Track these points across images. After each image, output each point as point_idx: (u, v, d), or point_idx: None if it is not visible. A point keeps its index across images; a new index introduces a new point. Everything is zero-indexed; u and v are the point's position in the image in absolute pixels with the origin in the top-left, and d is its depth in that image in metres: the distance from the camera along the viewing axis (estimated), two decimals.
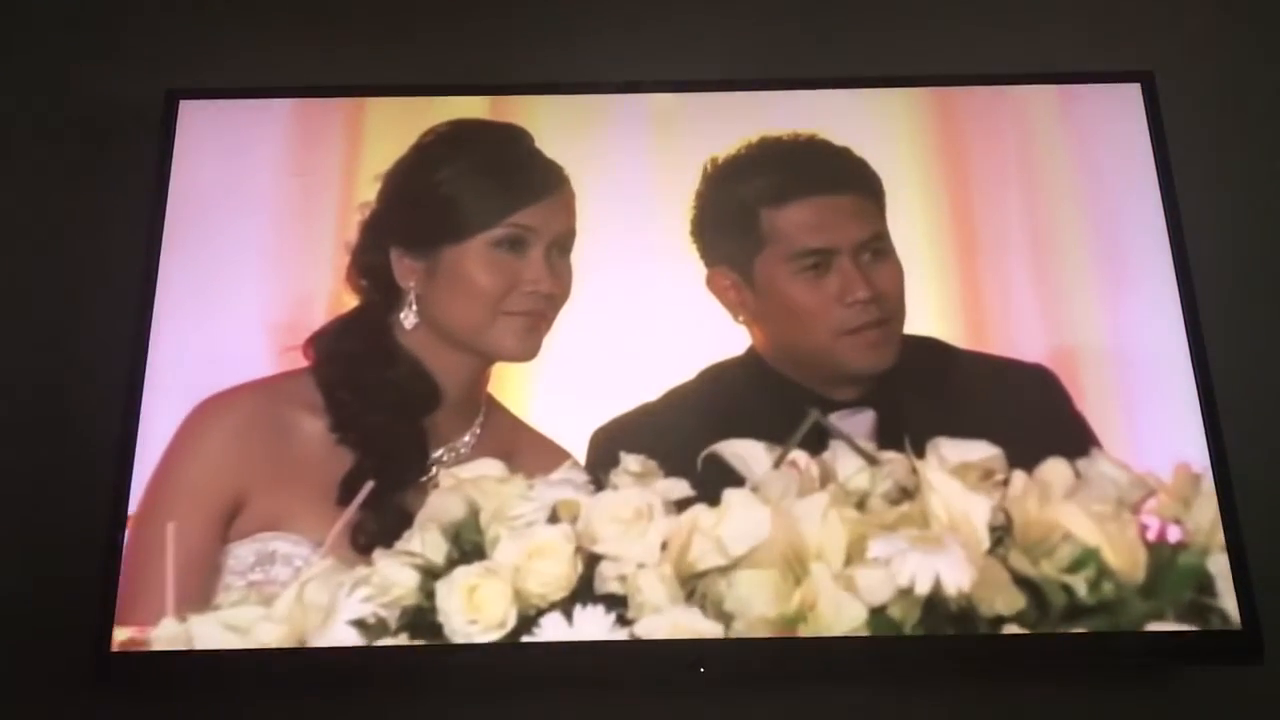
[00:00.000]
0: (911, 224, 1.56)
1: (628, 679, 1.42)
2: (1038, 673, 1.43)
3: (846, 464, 1.41)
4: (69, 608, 1.42)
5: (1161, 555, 1.36)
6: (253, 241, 1.58)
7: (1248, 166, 1.71)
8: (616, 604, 1.33)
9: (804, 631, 1.31)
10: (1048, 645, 1.32)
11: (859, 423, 1.48)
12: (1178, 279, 1.53)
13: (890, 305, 1.52)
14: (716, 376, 1.51)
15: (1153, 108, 1.62)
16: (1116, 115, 1.63)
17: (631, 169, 1.59)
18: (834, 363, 1.51)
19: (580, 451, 1.46)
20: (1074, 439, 1.45)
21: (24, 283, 1.65)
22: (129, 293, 1.54)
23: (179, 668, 1.36)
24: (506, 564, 1.34)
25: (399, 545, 1.37)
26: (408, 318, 1.50)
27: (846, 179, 1.57)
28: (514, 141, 1.59)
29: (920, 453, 1.41)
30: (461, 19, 1.84)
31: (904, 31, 1.81)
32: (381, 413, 1.47)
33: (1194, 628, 1.34)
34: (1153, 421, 1.47)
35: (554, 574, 1.33)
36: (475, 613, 1.32)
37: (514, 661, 1.33)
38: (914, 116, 1.64)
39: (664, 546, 1.34)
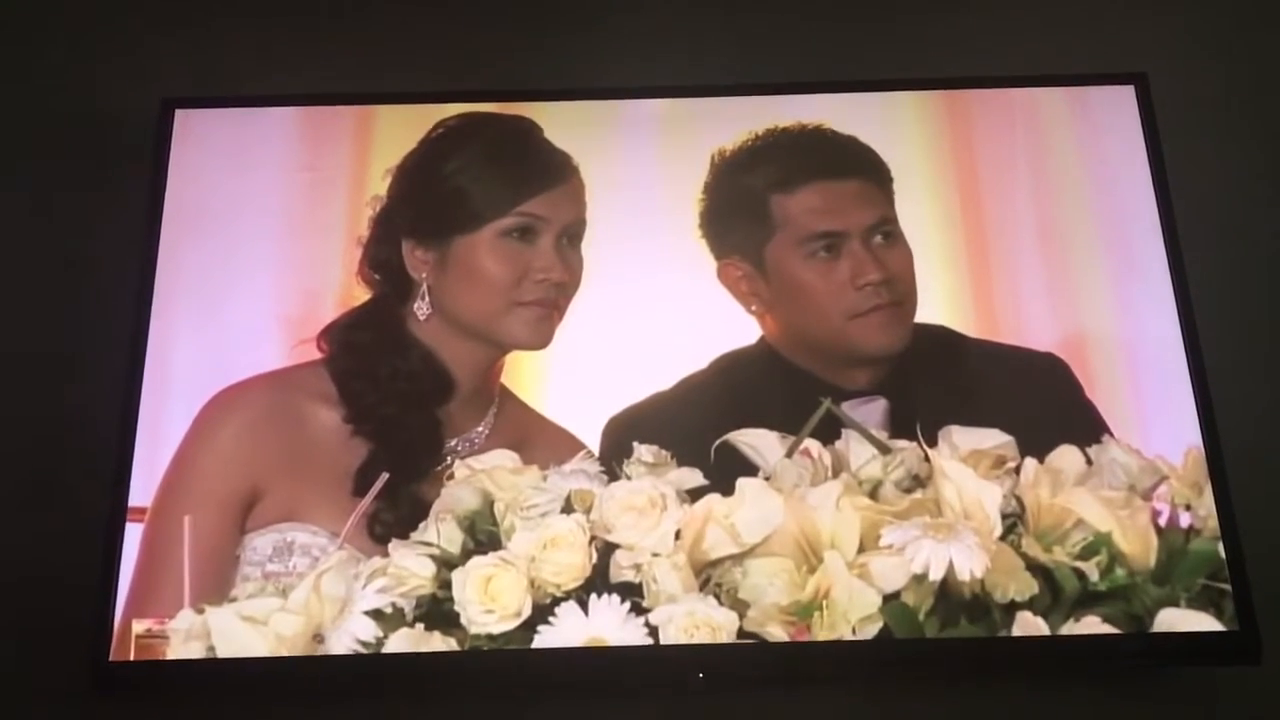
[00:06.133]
0: (923, 219, 1.57)
1: (638, 682, 1.41)
2: (1033, 674, 1.43)
3: (859, 453, 1.41)
4: (69, 609, 1.42)
5: (1173, 541, 1.36)
6: (263, 237, 1.59)
7: (1241, 162, 1.72)
8: (631, 593, 1.33)
9: (818, 619, 1.31)
10: (1043, 646, 1.32)
11: (871, 411, 1.48)
12: (1170, 270, 1.54)
13: (901, 288, 1.53)
14: (729, 366, 1.51)
15: (1146, 108, 1.63)
16: (1120, 115, 1.64)
17: (640, 167, 1.60)
18: (846, 346, 1.51)
19: (594, 441, 1.47)
20: (1085, 426, 1.45)
21: (23, 288, 1.65)
22: (131, 294, 1.54)
23: (179, 676, 1.36)
24: (522, 554, 1.34)
25: (415, 536, 1.38)
26: (420, 309, 1.50)
27: (853, 164, 1.58)
28: (523, 132, 1.59)
29: (932, 441, 1.41)
30: (465, 26, 1.84)
31: (910, 36, 1.82)
32: (396, 403, 1.47)
33: (1205, 614, 1.34)
34: (1163, 407, 1.48)
35: (569, 564, 1.33)
36: (491, 602, 1.31)
37: (523, 666, 1.33)
38: (923, 119, 1.65)
39: (678, 536, 1.34)
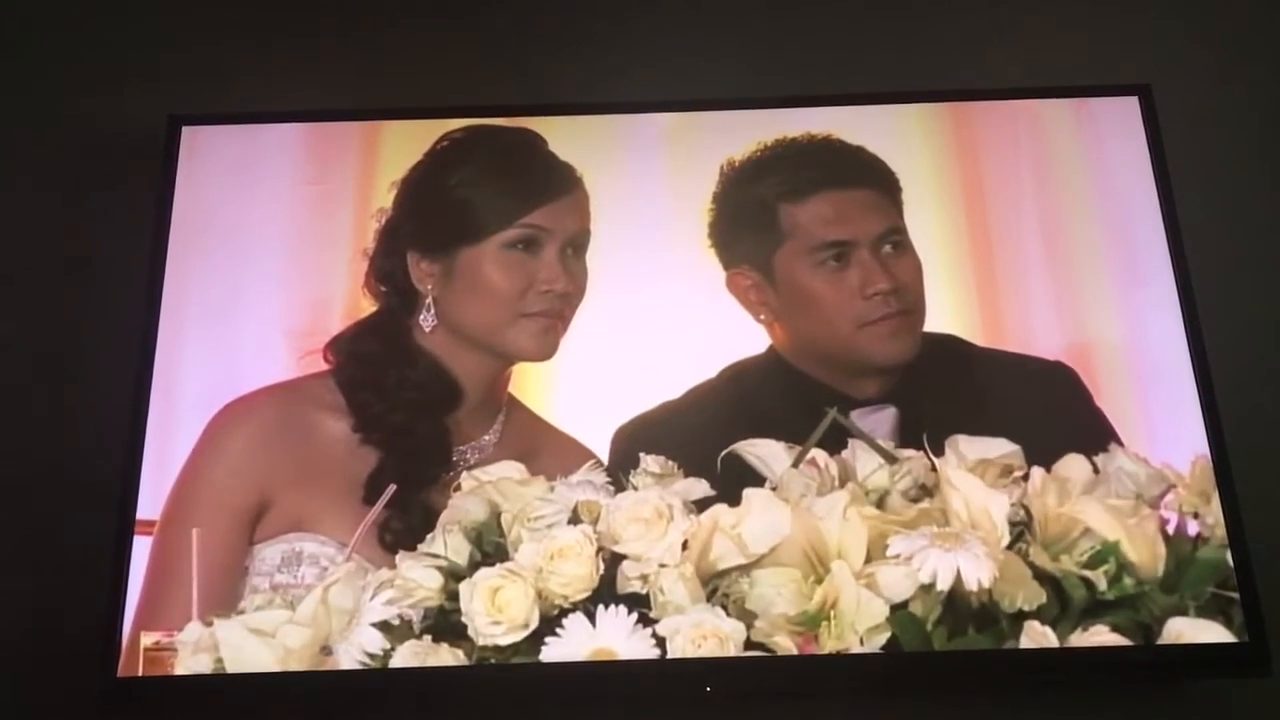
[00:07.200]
0: (929, 229, 1.58)
1: (646, 694, 1.41)
2: (1042, 685, 1.43)
3: (866, 462, 1.41)
4: (78, 623, 1.43)
5: (1181, 549, 1.36)
6: (270, 251, 1.60)
7: (1244, 172, 1.73)
8: (638, 603, 1.33)
9: (826, 629, 1.31)
10: (1052, 657, 1.31)
11: (880, 420, 1.49)
12: (1175, 279, 1.54)
13: (910, 297, 1.53)
14: (737, 375, 1.52)
15: (1150, 118, 1.64)
16: (1124, 125, 1.64)
17: (648, 178, 1.61)
18: (855, 355, 1.52)
19: (602, 450, 1.47)
20: (1093, 435, 1.45)
21: (31, 301, 1.66)
22: (139, 307, 1.55)
23: (185, 691, 1.36)
24: (529, 565, 1.34)
25: (422, 547, 1.38)
26: (426, 320, 1.51)
27: (862, 174, 1.58)
28: (527, 144, 1.60)
29: (939, 450, 1.41)
30: (471, 41, 1.85)
31: (915, 49, 1.83)
32: (403, 412, 1.48)
33: (1214, 623, 1.33)
34: (1169, 416, 1.48)
35: (576, 574, 1.33)
36: (498, 614, 1.31)
37: (530, 680, 1.33)
38: (928, 130, 1.66)
39: (685, 546, 1.34)
